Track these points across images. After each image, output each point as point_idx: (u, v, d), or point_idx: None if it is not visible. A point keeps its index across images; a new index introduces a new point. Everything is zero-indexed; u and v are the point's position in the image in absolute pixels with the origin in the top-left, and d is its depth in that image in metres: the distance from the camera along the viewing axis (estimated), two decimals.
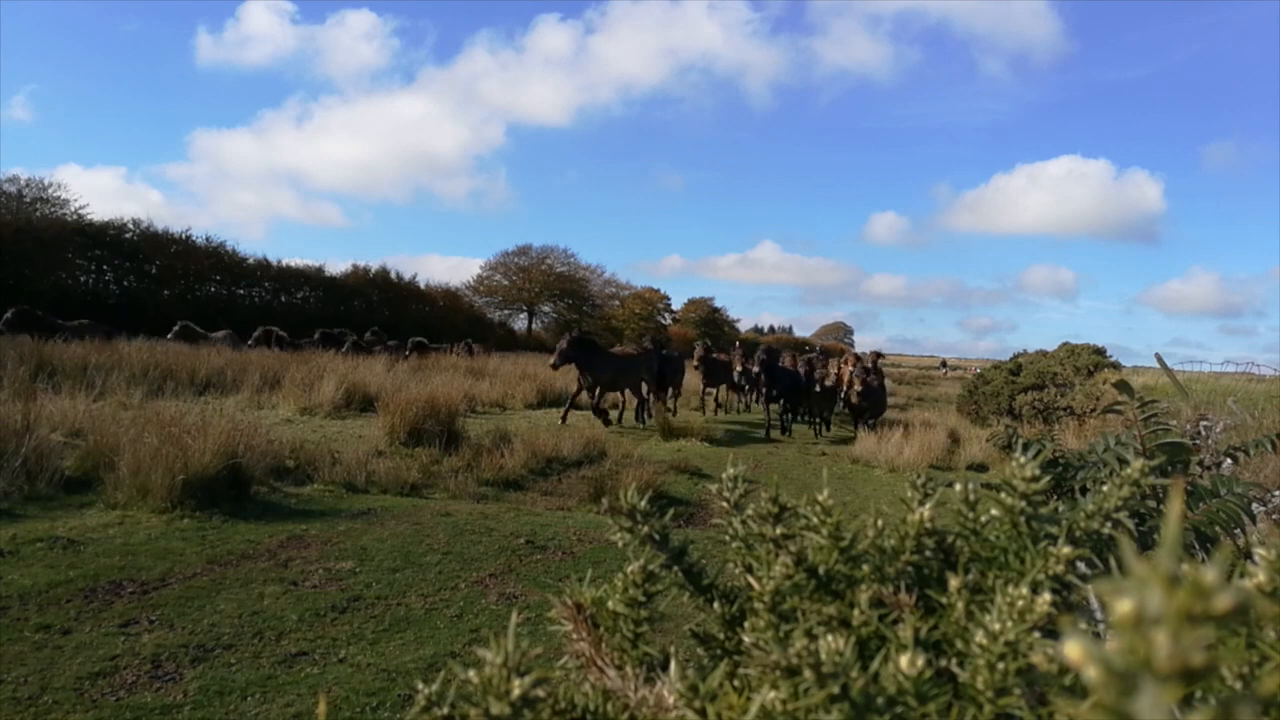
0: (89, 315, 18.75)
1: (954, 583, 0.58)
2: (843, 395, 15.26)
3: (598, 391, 12.86)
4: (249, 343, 19.60)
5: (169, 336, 17.88)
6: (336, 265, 42.67)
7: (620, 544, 0.69)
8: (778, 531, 0.66)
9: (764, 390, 14.82)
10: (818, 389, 14.49)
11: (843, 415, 16.95)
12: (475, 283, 49.59)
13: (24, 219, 27.32)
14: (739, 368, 16.57)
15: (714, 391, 17.54)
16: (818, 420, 15.59)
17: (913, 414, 18.20)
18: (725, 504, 0.72)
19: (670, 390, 15.82)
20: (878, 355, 20.36)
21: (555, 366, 12.82)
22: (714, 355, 17.46)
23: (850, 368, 17.67)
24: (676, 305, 58.95)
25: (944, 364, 61.58)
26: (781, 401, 15.15)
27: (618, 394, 14.95)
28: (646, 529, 0.69)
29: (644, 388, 14.45)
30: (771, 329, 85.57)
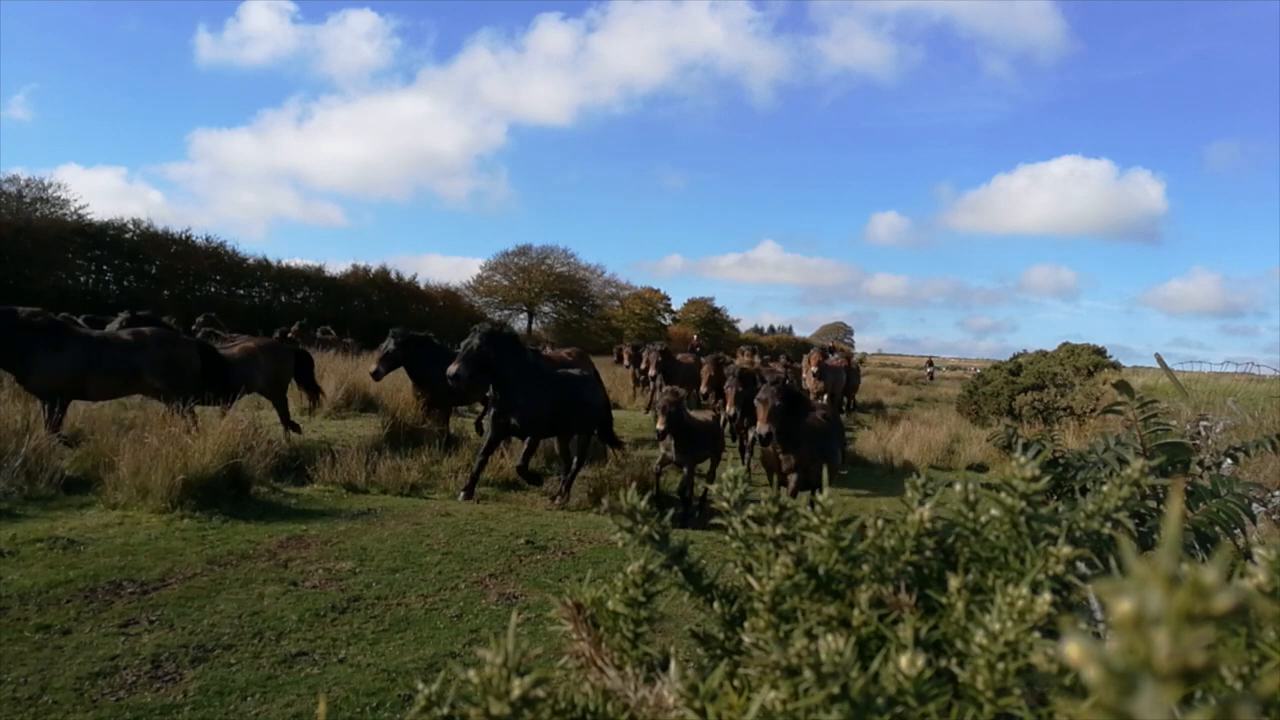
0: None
1: (954, 583, 0.58)
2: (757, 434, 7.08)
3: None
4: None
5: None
6: (337, 265, 42.60)
7: (620, 544, 0.69)
8: (778, 531, 0.66)
9: (491, 415, 7.89)
10: (672, 402, 7.28)
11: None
12: (475, 283, 49.56)
13: (24, 219, 27.28)
14: (650, 370, 13.21)
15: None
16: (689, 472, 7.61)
17: (896, 431, 12.89)
18: (725, 504, 0.72)
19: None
20: (824, 354, 15.40)
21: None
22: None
23: (814, 364, 14.51)
24: (676, 305, 58.88)
25: (930, 363, 51.64)
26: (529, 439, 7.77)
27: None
28: (646, 529, 0.69)
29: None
30: (772, 329, 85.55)
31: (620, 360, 16.67)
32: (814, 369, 14.33)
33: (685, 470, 7.56)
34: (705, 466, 7.89)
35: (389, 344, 9.20)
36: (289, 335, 20.15)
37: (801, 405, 7.32)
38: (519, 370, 7.71)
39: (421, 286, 41.23)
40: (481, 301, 48.00)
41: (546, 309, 50.37)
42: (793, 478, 6.96)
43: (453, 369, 7.51)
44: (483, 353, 7.52)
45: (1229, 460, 2.07)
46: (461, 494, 7.37)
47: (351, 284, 37.38)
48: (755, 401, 7.12)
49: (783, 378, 7.46)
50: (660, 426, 7.21)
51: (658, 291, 57.26)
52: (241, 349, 9.36)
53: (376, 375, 9.28)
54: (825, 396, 14.30)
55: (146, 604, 4.17)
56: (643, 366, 13.55)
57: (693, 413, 7.99)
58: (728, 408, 7.72)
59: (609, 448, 8.90)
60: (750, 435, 8.06)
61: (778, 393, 6.94)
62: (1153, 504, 1.31)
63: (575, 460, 8.17)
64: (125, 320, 8.94)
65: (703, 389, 11.64)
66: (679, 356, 14.54)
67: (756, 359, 15.95)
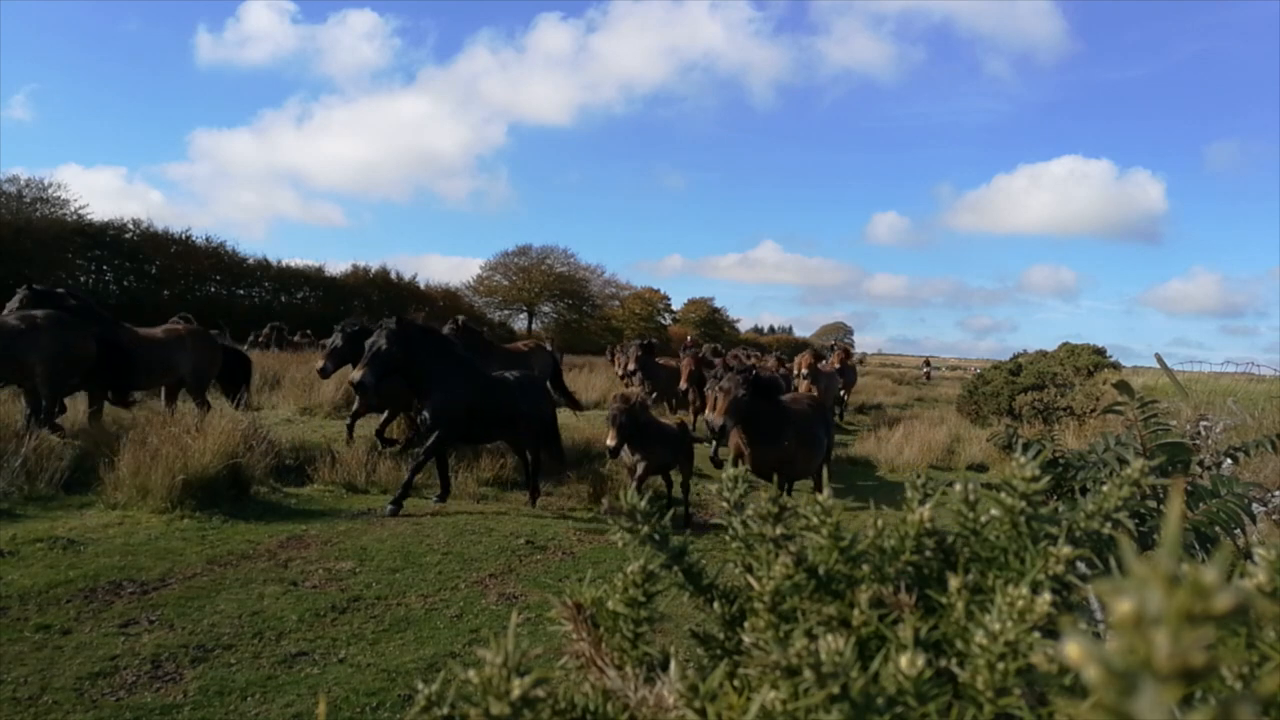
0: None
1: (954, 583, 0.58)
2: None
3: None
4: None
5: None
6: (337, 265, 42.73)
7: (620, 544, 0.69)
8: (778, 531, 0.66)
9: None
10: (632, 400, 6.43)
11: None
12: (475, 283, 49.58)
13: (24, 219, 27.29)
14: (629, 366, 12.39)
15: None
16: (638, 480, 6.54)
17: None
18: (725, 504, 0.72)
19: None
20: (817, 356, 14.77)
21: None
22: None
23: (805, 367, 14.01)
24: (676, 305, 58.87)
25: (927, 363, 50.19)
26: (439, 436, 6.77)
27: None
28: (646, 529, 0.69)
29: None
30: (772, 329, 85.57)
31: (613, 361, 16.64)
32: (804, 372, 14.05)
33: (642, 475, 6.47)
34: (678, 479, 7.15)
35: (336, 339, 8.17)
36: (259, 339, 20.05)
37: (773, 390, 6.59)
38: (442, 367, 6.74)
39: (421, 286, 41.28)
40: (481, 301, 48.04)
41: (546, 309, 50.37)
42: (784, 480, 6.01)
43: (357, 375, 6.53)
44: (391, 354, 6.52)
45: (1229, 460, 2.07)
46: (435, 499, 7.02)
47: (351, 284, 37.42)
48: (717, 389, 6.35)
49: (751, 366, 6.71)
50: (611, 443, 6.23)
51: (658, 291, 57.28)
52: (167, 331, 8.66)
53: (324, 373, 8.22)
54: None
55: (146, 604, 4.17)
56: (623, 365, 12.83)
57: (661, 420, 7.20)
58: (706, 411, 6.85)
59: (554, 462, 7.86)
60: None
61: (742, 381, 6.23)
62: (1153, 504, 1.31)
63: (532, 466, 7.48)
64: (25, 298, 7.74)
65: (682, 384, 11.35)
66: (661, 361, 13.74)
67: (754, 359, 15.71)
